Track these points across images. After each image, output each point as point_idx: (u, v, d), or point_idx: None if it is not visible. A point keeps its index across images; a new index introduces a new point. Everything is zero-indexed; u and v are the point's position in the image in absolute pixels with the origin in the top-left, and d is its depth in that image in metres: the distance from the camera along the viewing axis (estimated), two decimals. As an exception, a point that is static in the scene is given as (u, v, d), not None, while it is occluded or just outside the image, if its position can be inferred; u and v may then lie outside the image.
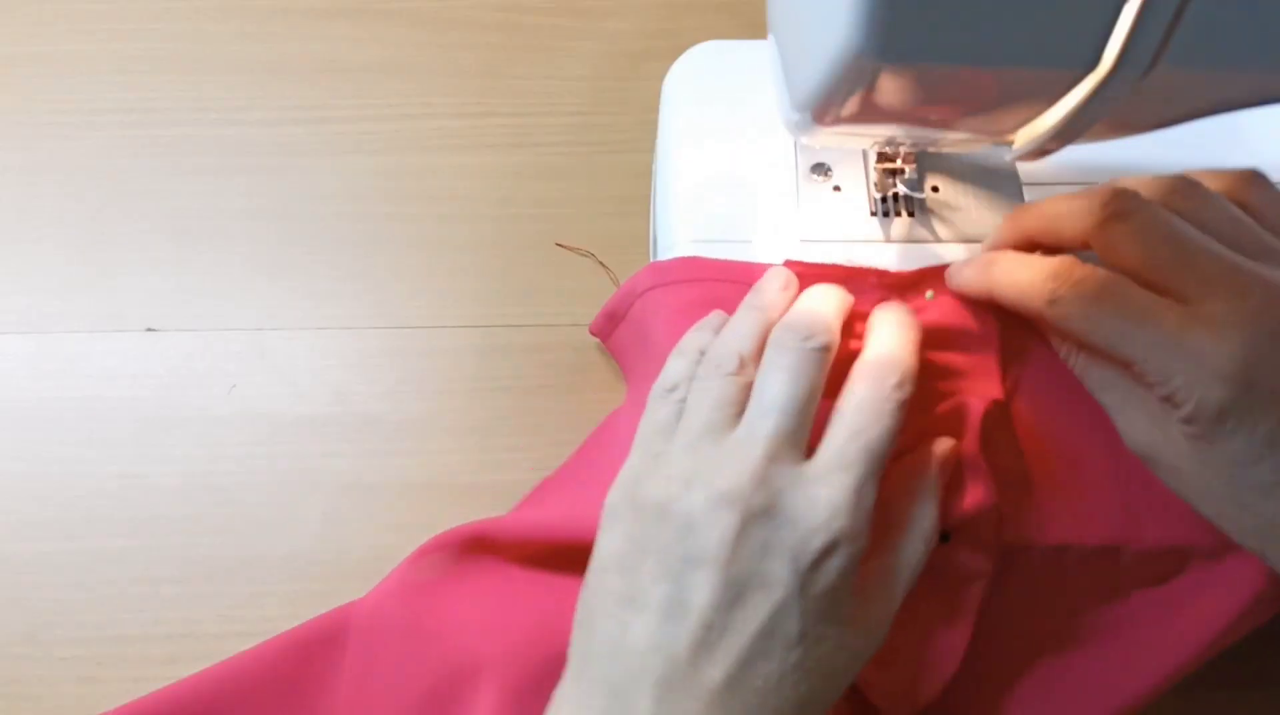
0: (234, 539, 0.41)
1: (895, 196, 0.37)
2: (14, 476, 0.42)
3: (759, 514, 0.28)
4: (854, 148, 0.38)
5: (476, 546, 0.35)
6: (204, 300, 0.45)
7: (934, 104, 0.28)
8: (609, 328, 0.41)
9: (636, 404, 0.40)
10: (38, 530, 0.41)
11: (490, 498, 0.41)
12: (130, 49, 0.50)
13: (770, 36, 0.33)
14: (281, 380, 0.44)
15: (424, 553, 0.36)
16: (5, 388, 0.44)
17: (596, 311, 0.43)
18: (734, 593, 0.27)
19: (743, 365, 0.31)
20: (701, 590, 0.27)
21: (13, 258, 0.46)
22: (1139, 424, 0.31)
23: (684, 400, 0.32)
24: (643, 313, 0.38)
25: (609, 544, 0.30)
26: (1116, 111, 0.26)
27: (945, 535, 0.32)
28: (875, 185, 0.37)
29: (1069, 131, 0.28)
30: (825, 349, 0.31)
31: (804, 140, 0.36)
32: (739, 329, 0.32)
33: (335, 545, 0.41)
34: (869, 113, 0.28)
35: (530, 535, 0.35)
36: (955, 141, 0.35)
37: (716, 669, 0.27)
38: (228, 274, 0.46)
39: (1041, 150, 0.30)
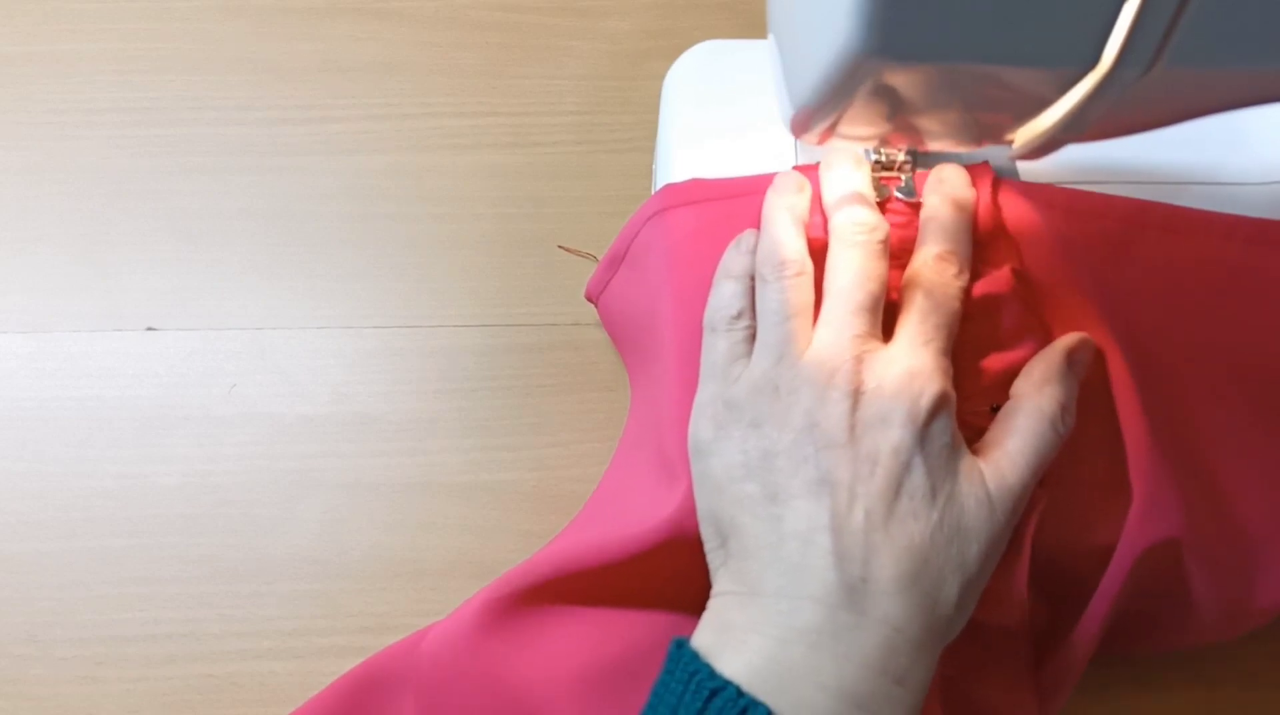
0: (234, 539, 0.41)
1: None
2: (14, 476, 0.42)
3: (868, 392, 0.30)
4: (854, 148, 0.38)
5: (536, 591, 0.35)
6: (204, 300, 0.45)
7: (934, 103, 0.28)
8: (606, 277, 0.41)
9: (638, 388, 0.40)
10: (38, 530, 0.41)
11: (490, 498, 0.42)
12: (130, 49, 0.50)
13: (770, 36, 0.33)
14: (282, 380, 0.44)
15: (487, 603, 0.35)
16: (5, 388, 0.44)
17: (597, 312, 0.43)
18: (868, 464, 0.29)
19: (801, 265, 0.33)
20: (839, 468, 0.29)
21: (13, 258, 0.46)
22: None
23: (749, 325, 0.33)
24: (645, 247, 0.38)
25: (720, 462, 0.31)
26: (1116, 111, 0.26)
27: (995, 406, 0.34)
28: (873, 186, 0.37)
29: (1069, 131, 0.28)
30: (884, 239, 0.33)
31: (805, 140, 0.36)
32: (781, 233, 0.34)
33: (335, 545, 0.41)
34: (869, 112, 0.28)
35: (584, 563, 0.35)
36: (955, 141, 0.35)
37: (874, 535, 0.29)
38: (228, 273, 0.46)
39: (1041, 150, 0.30)
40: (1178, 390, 0.35)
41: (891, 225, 0.35)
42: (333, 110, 0.49)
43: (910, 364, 0.31)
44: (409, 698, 0.35)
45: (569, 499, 0.41)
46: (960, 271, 0.33)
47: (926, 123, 0.31)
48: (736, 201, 0.36)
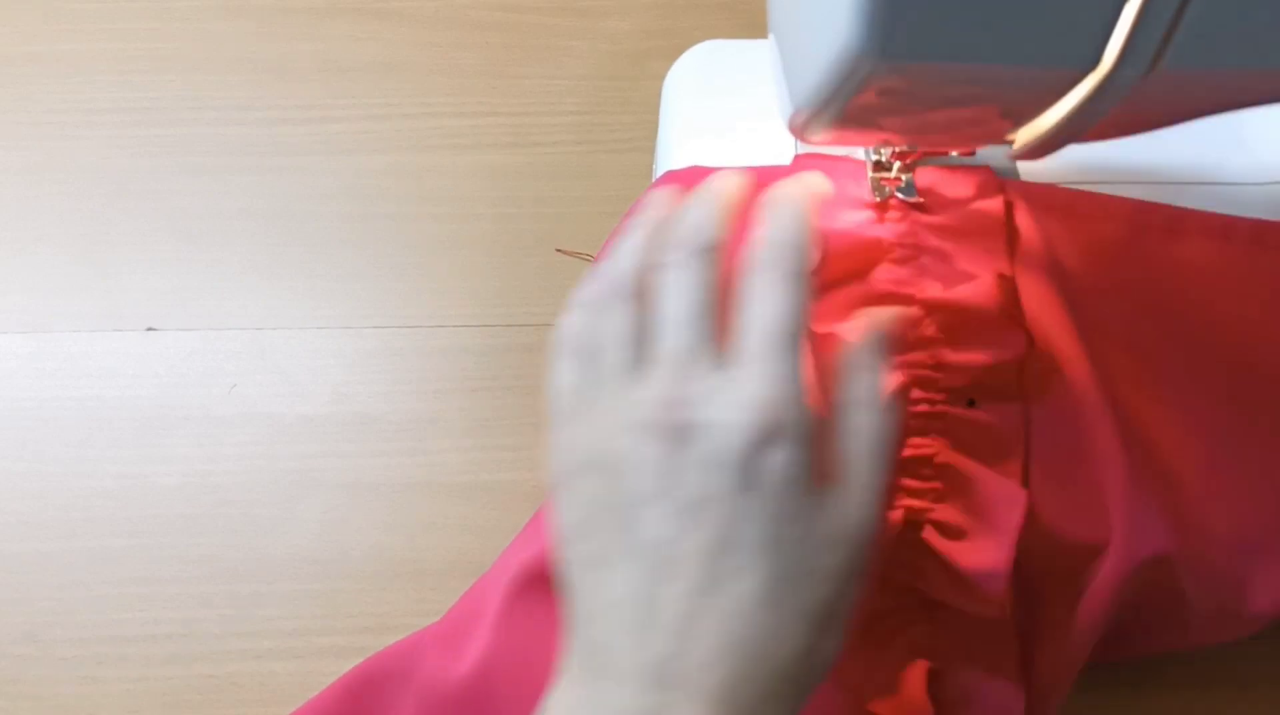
0: (234, 539, 0.41)
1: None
2: (14, 476, 0.42)
3: (682, 433, 0.26)
4: (854, 147, 0.38)
5: (529, 584, 0.35)
6: (204, 300, 0.45)
7: (934, 103, 0.28)
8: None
9: None
10: (38, 530, 0.41)
11: (490, 498, 0.42)
12: (130, 49, 0.50)
13: (770, 36, 0.33)
14: (282, 380, 0.44)
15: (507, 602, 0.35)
16: (5, 388, 0.44)
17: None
18: (687, 519, 0.26)
19: (636, 294, 0.29)
20: (654, 526, 0.26)
21: (13, 258, 0.46)
22: None
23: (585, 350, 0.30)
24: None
25: (565, 517, 0.28)
26: (1116, 111, 0.26)
27: (971, 401, 0.33)
28: (873, 186, 0.37)
29: (1069, 131, 0.28)
30: (708, 250, 0.29)
31: (805, 140, 0.36)
32: (620, 262, 0.30)
33: (335, 545, 0.41)
34: (869, 112, 0.28)
35: None
36: (955, 141, 0.35)
37: (687, 599, 0.25)
38: (228, 273, 0.46)
39: (1041, 150, 0.30)
40: (1173, 393, 0.35)
41: (891, 224, 0.35)
42: (333, 110, 0.49)
43: (736, 391, 0.27)
44: (409, 697, 0.35)
45: (569, 499, 0.41)
46: (792, 260, 0.29)
47: (926, 123, 0.31)
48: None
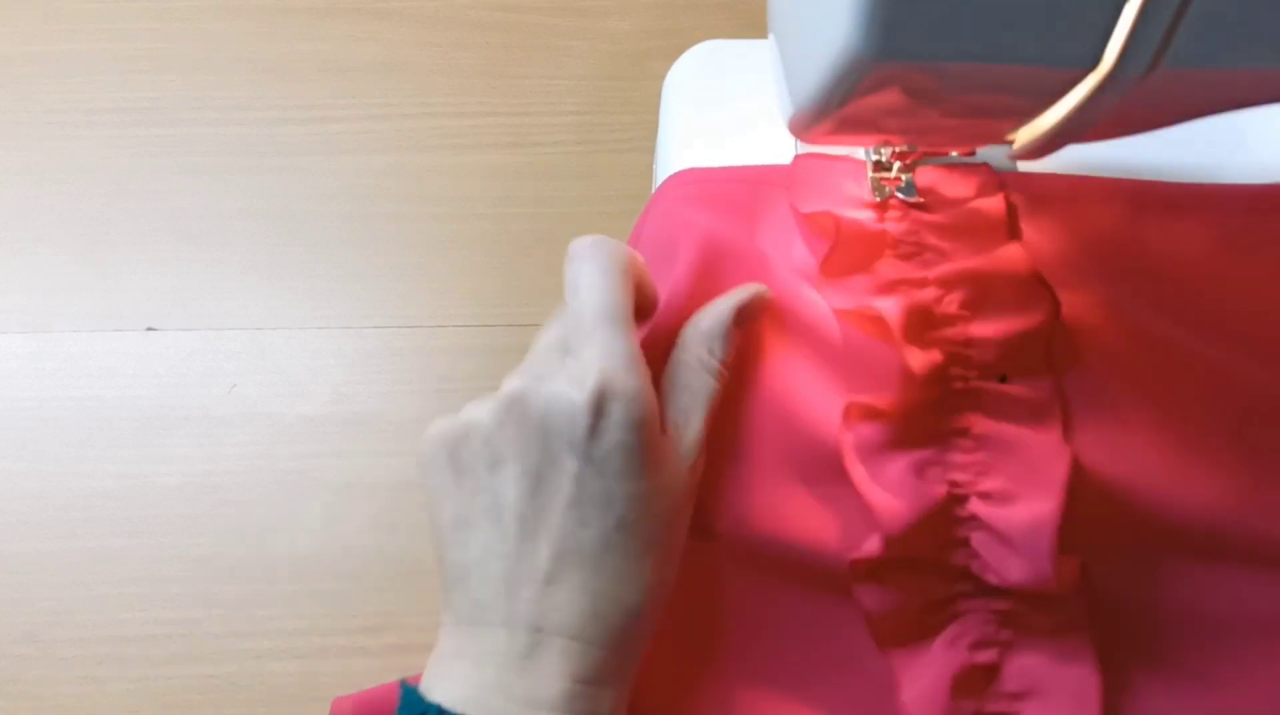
0: (234, 539, 0.41)
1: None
2: (14, 476, 0.42)
3: (528, 402, 0.30)
4: (854, 147, 0.38)
5: None
6: (204, 300, 0.45)
7: (934, 103, 0.28)
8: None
9: None
10: (38, 530, 0.41)
11: (490, 498, 0.41)
12: (130, 49, 0.50)
13: (770, 36, 0.33)
14: (282, 380, 0.44)
15: None
16: (5, 388, 0.44)
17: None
18: (533, 479, 0.29)
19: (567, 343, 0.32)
20: (508, 487, 0.29)
21: (13, 258, 0.46)
22: None
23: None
24: (655, 224, 0.38)
25: (432, 484, 0.31)
26: (1117, 111, 0.26)
27: (1003, 376, 0.33)
28: (873, 186, 0.37)
29: (1069, 131, 0.28)
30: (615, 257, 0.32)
31: (805, 140, 0.36)
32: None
33: (335, 545, 0.41)
34: (869, 112, 0.28)
35: None
36: (955, 141, 0.35)
37: (542, 551, 0.29)
38: (228, 273, 0.46)
39: (1041, 150, 0.30)
40: (1183, 369, 0.35)
41: (892, 223, 0.35)
42: (333, 110, 0.49)
43: (572, 365, 0.30)
44: None
45: (569, 499, 0.41)
46: (615, 248, 0.32)
47: (926, 123, 0.31)
48: (737, 186, 0.37)
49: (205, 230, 0.47)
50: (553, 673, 0.28)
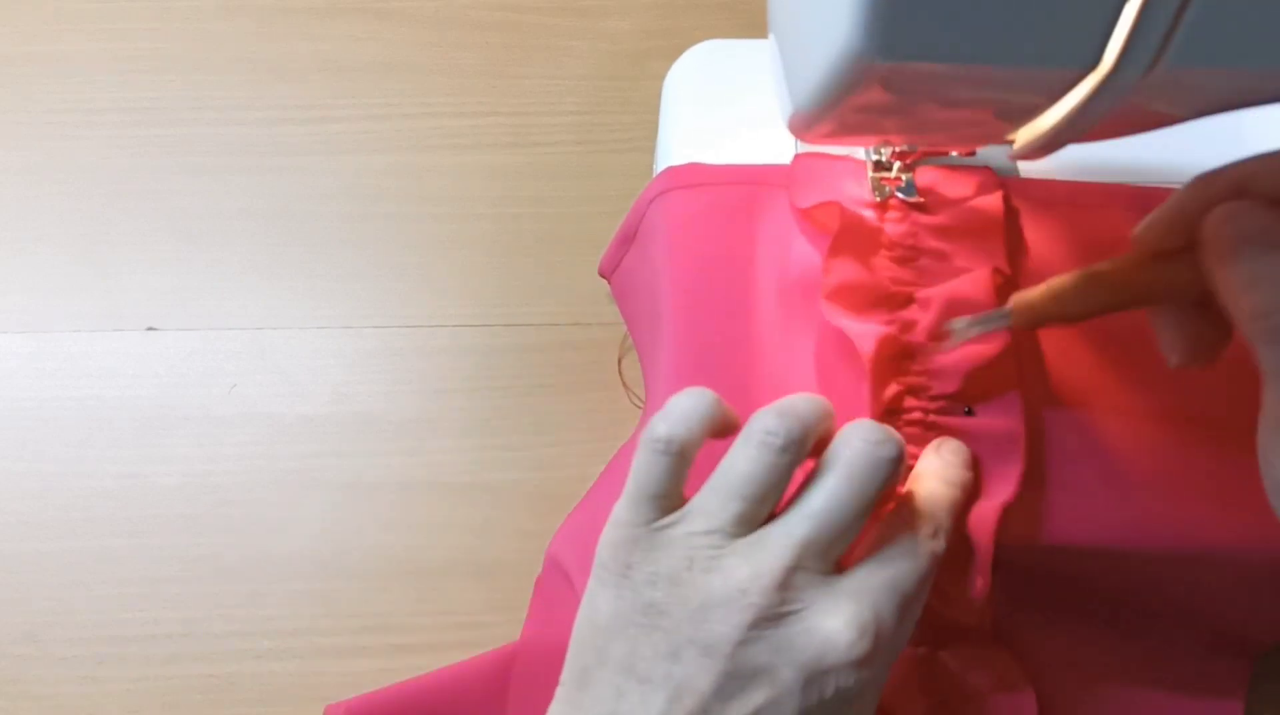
0: (234, 539, 0.41)
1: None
2: (14, 476, 0.42)
3: (776, 617, 0.27)
4: (854, 147, 0.38)
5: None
6: (204, 300, 0.45)
7: (934, 103, 0.28)
8: (619, 255, 0.40)
9: (648, 372, 0.40)
10: (38, 530, 0.41)
11: (490, 497, 0.41)
12: (130, 49, 0.50)
13: (770, 36, 0.33)
14: (282, 380, 0.44)
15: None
16: (5, 388, 0.44)
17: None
18: (737, 686, 0.27)
19: (794, 444, 0.29)
20: (704, 677, 0.27)
21: (13, 258, 0.46)
22: None
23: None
24: (651, 228, 0.38)
25: (610, 603, 0.29)
26: (1117, 111, 0.26)
27: (969, 409, 0.33)
28: (873, 186, 0.37)
29: (1069, 131, 0.27)
30: (896, 462, 0.29)
31: (805, 140, 0.36)
32: (800, 405, 0.30)
33: (335, 545, 0.41)
34: (869, 112, 0.28)
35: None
36: (955, 141, 0.35)
37: None
38: (228, 273, 0.46)
39: (1042, 150, 0.30)
40: (1184, 377, 0.35)
41: (891, 224, 0.35)
42: (333, 110, 0.49)
43: (849, 609, 0.27)
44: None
45: (569, 499, 0.41)
46: (936, 533, 0.30)
47: (926, 123, 0.31)
48: (735, 188, 0.37)
49: (205, 230, 0.47)
50: None
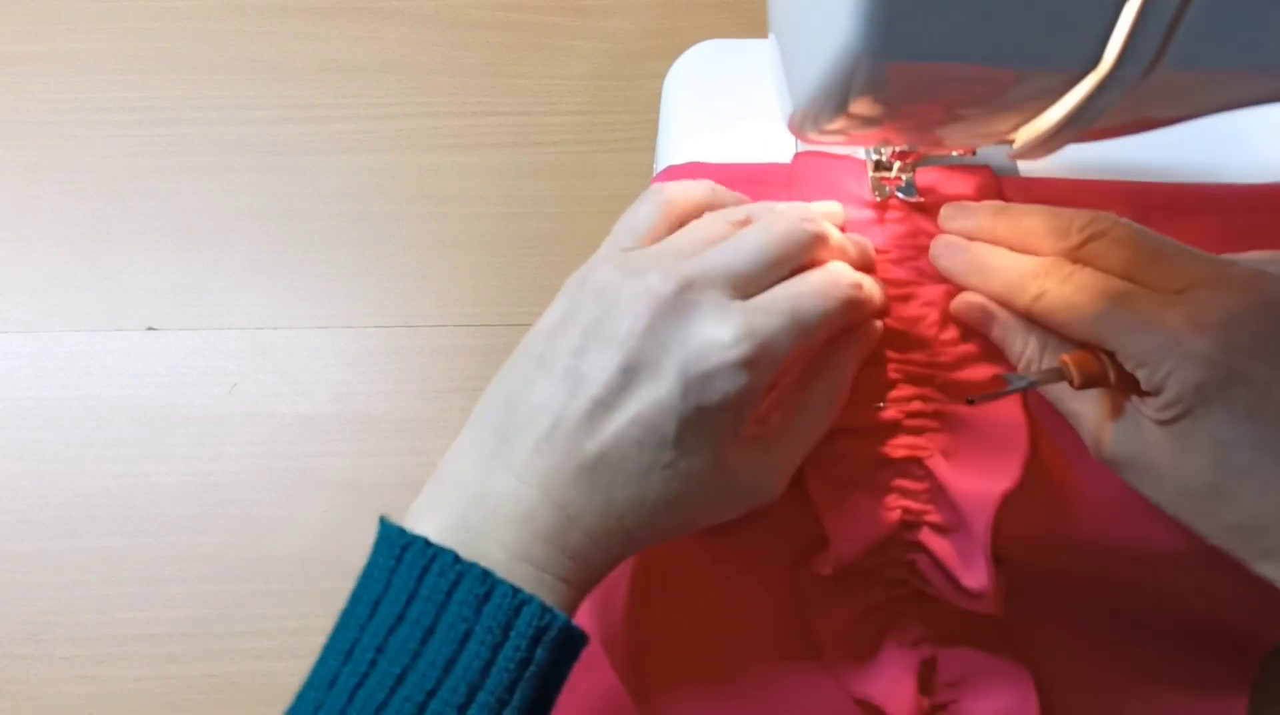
0: (235, 538, 0.41)
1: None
2: (14, 476, 0.42)
3: (671, 314, 0.29)
4: (854, 147, 0.38)
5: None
6: (204, 299, 0.45)
7: (934, 103, 0.28)
8: None
9: None
10: (38, 530, 0.41)
11: (490, 497, 0.41)
12: (130, 49, 0.50)
13: (771, 35, 0.33)
14: (282, 379, 0.44)
15: None
16: (5, 387, 0.44)
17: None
18: (626, 377, 0.29)
19: (743, 223, 0.32)
20: (600, 367, 0.29)
21: (13, 257, 0.46)
22: (1109, 428, 0.31)
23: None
24: None
25: (549, 315, 0.31)
26: (1117, 111, 0.26)
27: (970, 398, 0.33)
28: (873, 186, 0.37)
29: (1069, 131, 0.28)
30: (814, 236, 0.32)
31: (805, 139, 0.36)
32: (758, 207, 0.34)
33: (335, 545, 0.41)
34: (869, 111, 0.28)
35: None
36: (955, 141, 0.35)
37: (593, 441, 0.29)
38: (228, 273, 0.46)
39: (1041, 150, 0.30)
40: None
41: (891, 224, 0.35)
42: (333, 110, 0.49)
43: (738, 318, 0.29)
44: None
45: (569, 499, 0.41)
46: (857, 284, 0.32)
47: (926, 123, 0.31)
48: (735, 187, 0.37)
49: (205, 230, 0.47)
50: (544, 536, 0.28)
